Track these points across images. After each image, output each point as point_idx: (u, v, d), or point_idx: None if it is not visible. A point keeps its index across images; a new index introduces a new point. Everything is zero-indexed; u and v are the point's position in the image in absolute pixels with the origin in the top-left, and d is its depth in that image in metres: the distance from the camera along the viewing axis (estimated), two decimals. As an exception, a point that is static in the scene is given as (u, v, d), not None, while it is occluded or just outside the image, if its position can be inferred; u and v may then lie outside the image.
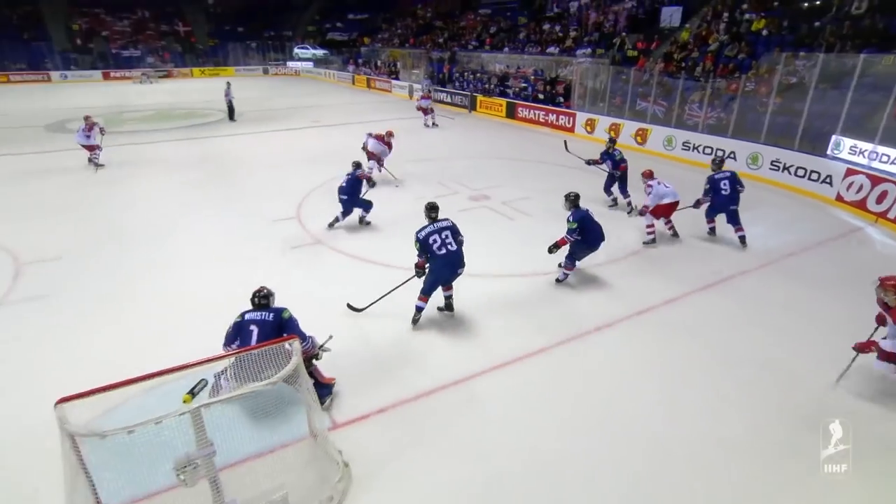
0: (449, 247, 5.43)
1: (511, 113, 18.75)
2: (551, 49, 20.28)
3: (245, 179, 11.60)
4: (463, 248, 5.57)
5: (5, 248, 7.66)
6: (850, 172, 9.55)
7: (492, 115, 19.69)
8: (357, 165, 8.43)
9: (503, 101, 19.22)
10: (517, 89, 19.44)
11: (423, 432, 4.24)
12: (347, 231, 8.45)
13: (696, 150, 12.53)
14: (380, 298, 5.83)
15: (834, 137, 10.20)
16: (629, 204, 9.30)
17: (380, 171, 11.11)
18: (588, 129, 15.47)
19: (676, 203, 7.76)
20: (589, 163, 9.86)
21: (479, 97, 20.52)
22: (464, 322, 5.81)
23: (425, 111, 17.82)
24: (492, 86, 20.67)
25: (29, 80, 33.86)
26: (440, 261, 5.43)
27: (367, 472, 3.81)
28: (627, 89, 14.66)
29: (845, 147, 10.05)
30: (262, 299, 4.42)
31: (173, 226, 8.73)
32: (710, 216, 8.09)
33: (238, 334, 4.27)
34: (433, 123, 17.94)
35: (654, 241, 7.90)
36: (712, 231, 8.20)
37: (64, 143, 14.60)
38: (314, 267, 7.29)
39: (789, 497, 3.61)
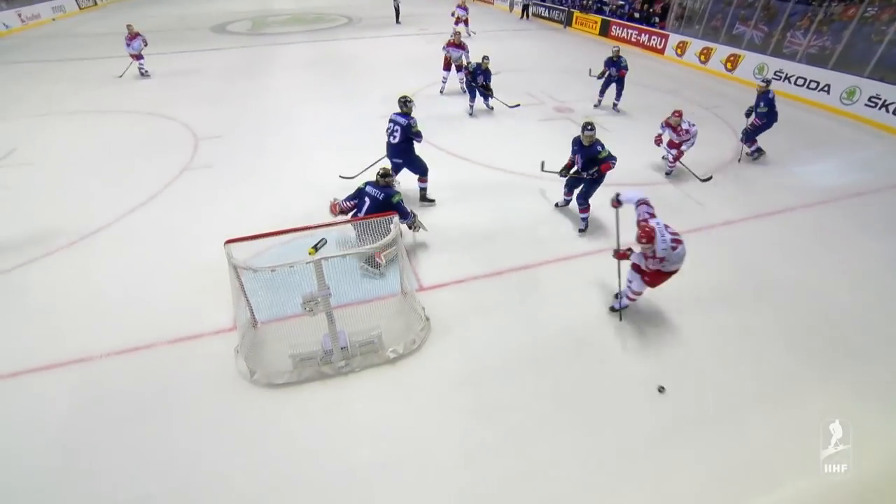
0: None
1: (605, 30, 16.48)
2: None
3: (362, 77, 11.45)
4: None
5: (189, 126, 8.45)
6: (955, 114, 7.72)
7: (586, 32, 17.46)
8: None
9: (598, 17, 16.86)
10: (614, 6, 16.90)
11: (491, 303, 4.43)
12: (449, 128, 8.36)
13: (787, 81, 10.47)
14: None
15: (949, 75, 8.14)
16: (615, 106, 9.24)
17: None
18: (678, 51, 13.34)
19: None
20: (597, 75, 9.11)
21: (576, 13, 18.14)
22: (542, 219, 5.78)
23: (459, 21, 15.27)
24: (589, 2, 18.12)
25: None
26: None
27: (444, 326, 4.11)
28: (728, 11, 12.27)
29: (959, 86, 8.02)
30: (381, 178, 4.57)
31: (302, 114, 9.01)
32: (753, 137, 7.19)
33: (357, 197, 4.64)
34: (470, 32, 15.55)
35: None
36: (758, 151, 7.30)
37: (223, 42, 15.12)
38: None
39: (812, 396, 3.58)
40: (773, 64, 10.89)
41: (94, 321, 4.21)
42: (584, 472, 3.09)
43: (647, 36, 14.60)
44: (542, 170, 5.74)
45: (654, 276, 3.81)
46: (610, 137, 7.66)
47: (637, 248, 3.84)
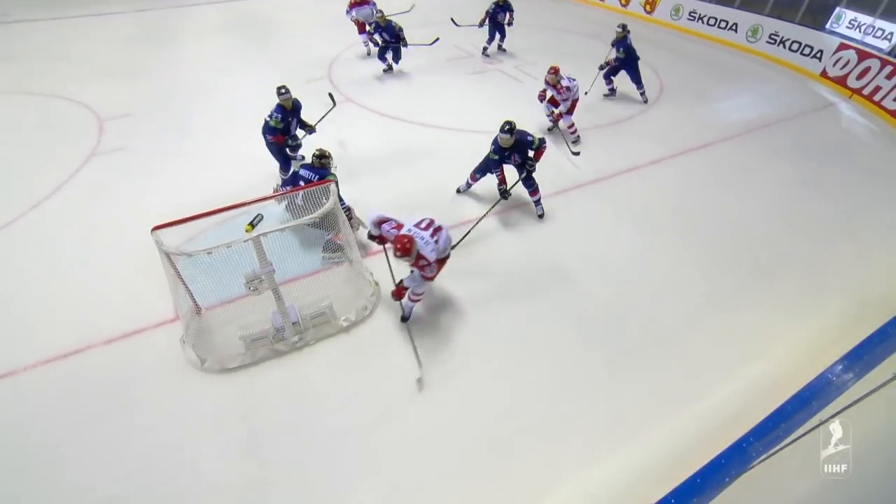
0: None
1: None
2: None
3: (283, 42, 10.58)
4: None
5: (88, 106, 7.55)
6: (841, 47, 8.45)
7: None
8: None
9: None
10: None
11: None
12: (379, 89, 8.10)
13: (700, 21, 11.01)
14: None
15: (837, 10, 8.88)
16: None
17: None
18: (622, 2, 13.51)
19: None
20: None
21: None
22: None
23: None
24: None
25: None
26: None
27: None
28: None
29: (845, 20, 8.78)
30: (317, 159, 4.31)
31: (222, 85, 8.31)
32: (610, 77, 7.72)
33: (293, 182, 4.37)
34: None
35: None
36: (612, 91, 7.86)
37: (109, 6, 13.40)
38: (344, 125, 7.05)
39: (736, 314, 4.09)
40: (688, 5, 11.34)
41: (10, 331, 3.87)
42: (539, 405, 3.36)
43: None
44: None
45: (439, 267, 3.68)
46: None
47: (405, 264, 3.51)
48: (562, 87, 6.17)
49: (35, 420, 3.28)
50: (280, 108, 5.06)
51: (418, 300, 3.85)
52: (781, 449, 2.64)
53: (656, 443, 3.15)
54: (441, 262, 3.68)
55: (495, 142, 4.83)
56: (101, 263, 4.46)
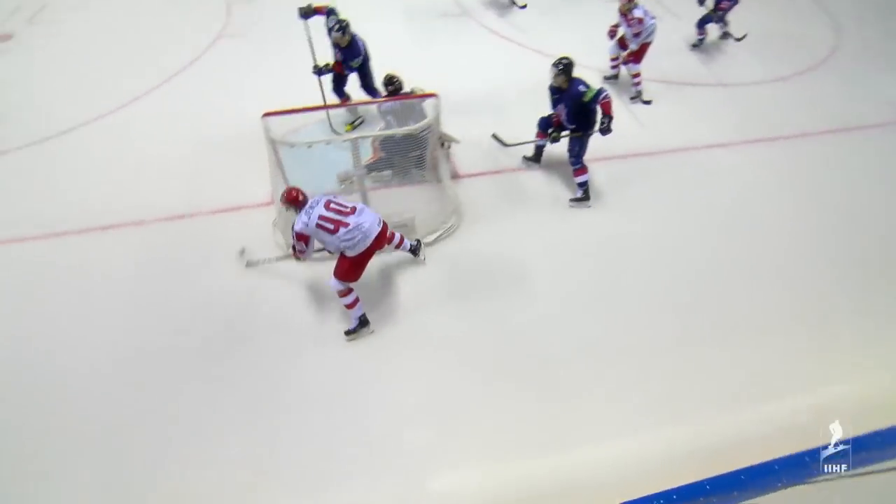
0: None
1: None
2: None
3: None
4: None
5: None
6: None
7: None
8: None
9: None
10: None
11: (521, 197, 4.40)
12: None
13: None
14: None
15: None
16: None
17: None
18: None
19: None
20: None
21: None
22: None
23: None
24: None
25: None
26: None
27: (476, 214, 4.17)
28: None
29: None
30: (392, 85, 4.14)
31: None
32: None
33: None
34: None
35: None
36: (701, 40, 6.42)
37: None
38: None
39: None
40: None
41: (141, 188, 4.41)
42: (598, 363, 3.30)
43: None
44: (503, 143, 4.61)
45: (353, 266, 3.15)
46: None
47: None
48: (632, 19, 5.09)
49: (156, 262, 3.85)
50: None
51: (345, 301, 3.24)
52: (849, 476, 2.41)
53: (704, 430, 3.00)
54: (355, 258, 3.13)
55: (552, 86, 4.14)
56: (215, 142, 4.80)
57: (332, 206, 3.06)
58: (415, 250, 3.67)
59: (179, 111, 5.28)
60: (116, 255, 3.89)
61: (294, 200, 3.07)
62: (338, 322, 3.41)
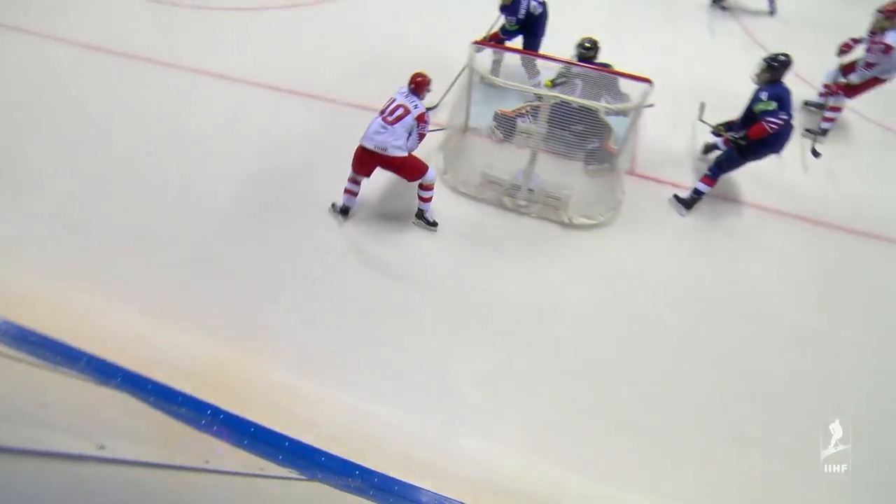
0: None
1: None
2: None
3: None
4: None
5: None
6: None
7: None
8: None
9: None
10: None
11: (694, 223, 3.85)
12: None
13: None
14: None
15: None
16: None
17: None
18: None
19: None
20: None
21: None
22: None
23: None
24: None
25: None
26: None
27: (634, 219, 3.80)
28: None
29: None
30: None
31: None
32: None
33: None
34: None
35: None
36: None
37: None
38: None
39: None
40: None
41: (347, 73, 4.86)
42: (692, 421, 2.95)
43: None
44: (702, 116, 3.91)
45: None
46: None
47: None
48: (878, 42, 3.91)
49: (329, 133, 4.29)
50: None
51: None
52: None
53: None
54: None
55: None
56: (420, 57, 4.88)
57: (392, 102, 3.28)
58: (422, 216, 3.64)
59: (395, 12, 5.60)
60: (296, 118, 4.45)
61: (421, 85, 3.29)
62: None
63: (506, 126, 4.15)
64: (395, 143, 3.17)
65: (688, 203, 3.84)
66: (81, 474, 1.04)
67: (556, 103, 3.20)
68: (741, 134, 3.47)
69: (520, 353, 3.12)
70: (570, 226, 3.74)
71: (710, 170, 3.75)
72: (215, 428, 2.18)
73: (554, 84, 3.22)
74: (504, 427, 2.83)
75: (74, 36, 5.21)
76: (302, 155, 4.16)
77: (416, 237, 3.65)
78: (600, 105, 3.14)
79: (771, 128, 3.28)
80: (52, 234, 3.55)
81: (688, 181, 4.07)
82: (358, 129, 3.32)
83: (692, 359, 3.13)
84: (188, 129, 4.35)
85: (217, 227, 3.65)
